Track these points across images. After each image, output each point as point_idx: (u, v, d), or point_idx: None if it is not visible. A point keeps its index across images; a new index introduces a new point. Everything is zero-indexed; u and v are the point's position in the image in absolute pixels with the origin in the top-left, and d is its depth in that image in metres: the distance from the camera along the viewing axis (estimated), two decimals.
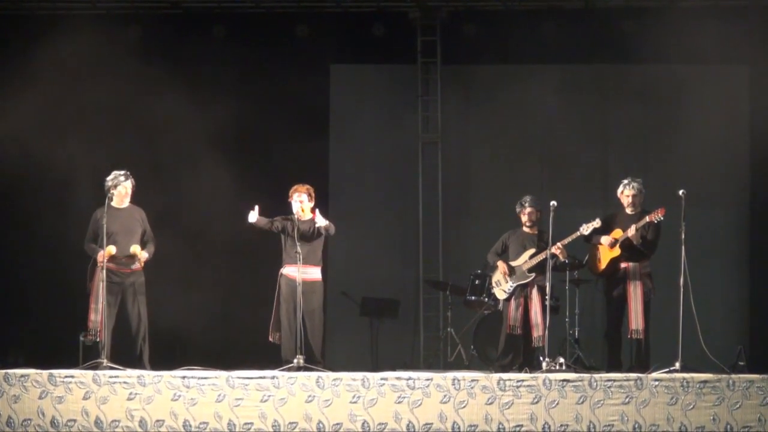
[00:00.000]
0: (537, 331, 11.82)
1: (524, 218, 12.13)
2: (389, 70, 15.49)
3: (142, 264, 11.81)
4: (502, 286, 12.15)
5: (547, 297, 11.77)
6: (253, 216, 11.84)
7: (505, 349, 12.01)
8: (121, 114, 14.77)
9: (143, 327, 11.78)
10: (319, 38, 15.13)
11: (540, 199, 12.18)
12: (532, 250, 12.00)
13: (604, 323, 12.36)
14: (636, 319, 11.68)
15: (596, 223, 11.81)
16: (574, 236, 11.85)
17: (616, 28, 14.62)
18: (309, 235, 11.82)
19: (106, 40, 14.35)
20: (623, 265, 11.80)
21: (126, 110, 14.76)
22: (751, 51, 14.51)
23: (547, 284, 11.73)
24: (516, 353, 11.97)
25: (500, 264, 12.15)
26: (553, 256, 11.80)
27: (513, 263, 12.12)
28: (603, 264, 11.90)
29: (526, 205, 12.10)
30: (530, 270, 11.99)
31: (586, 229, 11.81)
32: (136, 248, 11.73)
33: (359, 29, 15.09)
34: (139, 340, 11.74)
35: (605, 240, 11.82)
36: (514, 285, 12.04)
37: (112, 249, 11.60)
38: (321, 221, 11.79)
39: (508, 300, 12.11)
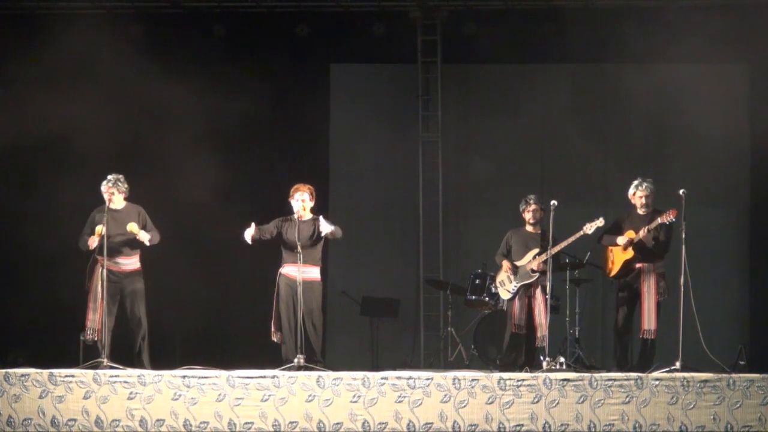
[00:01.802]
0: (541, 331, 11.81)
1: (528, 216, 12.09)
2: (389, 69, 15.49)
3: (147, 242, 11.71)
4: (506, 286, 12.14)
5: (547, 296, 11.77)
6: (248, 234, 11.69)
7: (509, 347, 12.01)
8: (120, 113, 14.77)
9: (142, 326, 11.78)
10: (319, 38, 15.14)
11: (540, 198, 12.17)
12: (536, 250, 11.97)
13: (607, 322, 12.35)
14: (649, 319, 11.65)
15: (599, 221, 11.75)
16: (577, 236, 11.81)
17: (616, 28, 14.60)
18: (309, 236, 11.71)
19: (106, 39, 14.35)
20: (638, 265, 11.76)
21: (126, 109, 14.77)
22: (751, 51, 14.51)
23: (548, 284, 11.73)
24: (519, 352, 11.97)
25: (504, 263, 12.13)
26: (553, 255, 11.81)
27: (517, 263, 12.10)
28: (617, 266, 11.84)
29: (531, 202, 12.05)
30: (534, 270, 11.96)
31: (589, 228, 11.76)
32: (132, 226, 11.67)
33: (359, 29, 15.09)
34: (138, 340, 11.75)
35: (621, 240, 11.75)
36: (518, 285, 12.03)
37: (101, 228, 11.56)
38: (326, 227, 11.64)
39: (512, 300, 12.10)
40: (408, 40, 15.14)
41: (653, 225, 11.63)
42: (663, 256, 11.78)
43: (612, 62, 14.76)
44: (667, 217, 11.55)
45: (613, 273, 11.94)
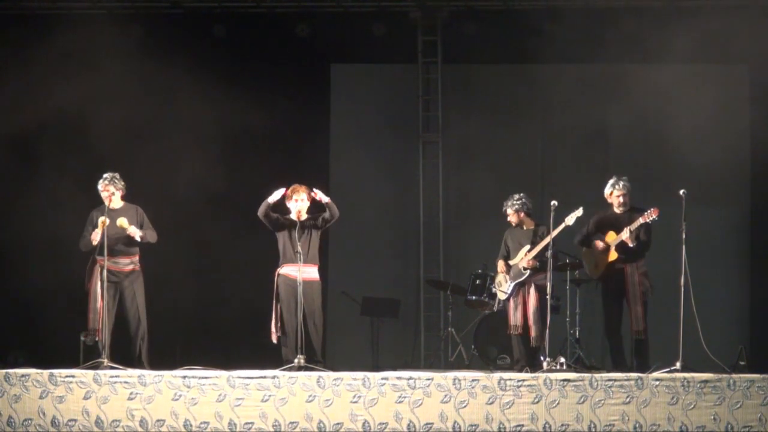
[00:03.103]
0: (534, 331, 11.81)
1: (511, 220, 12.14)
2: (389, 70, 15.50)
3: (138, 238, 11.71)
4: (502, 287, 12.16)
5: (548, 296, 11.76)
6: (279, 193, 11.72)
7: (519, 351, 11.99)
8: (120, 113, 14.76)
9: (142, 327, 11.80)
10: (319, 38, 15.14)
11: (540, 198, 12.17)
12: (528, 247, 11.98)
13: (603, 324, 12.34)
14: (636, 320, 11.67)
15: (579, 212, 11.67)
16: (559, 228, 11.72)
17: (616, 28, 14.60)
18: (308, 236, 11.69)
19: (106, 40, 14.35)
20: (621, 266, 11.76)
21: (125, 109, 14.75)
22: (751, 51, 14.50)
23: (548, 284, 11.72)
24: (524, 352, 11.98)
25: (499, 264, 12.16)
26: (548, 249, 11.79)
27: (511, 262, 12.11)
28: (601, 268, 11.86)
29: (506, 209, 12.09)
30: (525, 267, 11.94)
31: (570, 219, 11.68)
32: (122, 221, 11.69)
33: (359, 29, 15.08)
34: (138, 340, 11.77)
35: (601, 245, 11.76)
36: (512, 284, 12.04)
37: (103, 218, 11.58)
38: (324, 197, 11.67)
39: (507, 300, 12.11)
40: (408, 40, 15.14)
41: (635, 225, 11.61)
42: (644, 254, 11.78)
43: (612, 62, 14.75)
44: (649, 216, 11.53)
45: (598, 274, 11.95)
